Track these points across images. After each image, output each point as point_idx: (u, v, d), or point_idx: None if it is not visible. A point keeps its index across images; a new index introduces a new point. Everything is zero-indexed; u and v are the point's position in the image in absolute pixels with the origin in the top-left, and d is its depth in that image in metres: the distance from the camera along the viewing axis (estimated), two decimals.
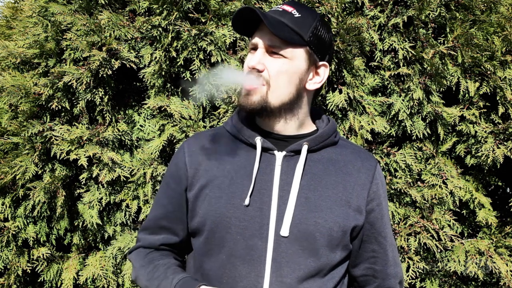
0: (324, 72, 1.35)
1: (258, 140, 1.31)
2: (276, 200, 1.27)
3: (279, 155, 1.31)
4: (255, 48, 1.30)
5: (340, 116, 2.54)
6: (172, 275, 1.30)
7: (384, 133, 2.54)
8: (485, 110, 2.63)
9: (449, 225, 2.61)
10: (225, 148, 1.36)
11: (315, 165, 1.32)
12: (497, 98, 2.57)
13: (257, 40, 1.29)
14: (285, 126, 1.34)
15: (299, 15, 1.28)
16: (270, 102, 1.29)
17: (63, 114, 2.55)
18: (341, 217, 1.29)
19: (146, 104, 2.50)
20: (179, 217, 1.38)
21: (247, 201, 1.27)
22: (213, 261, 1.29)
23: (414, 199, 2.55)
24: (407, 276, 2.50)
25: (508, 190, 2.88)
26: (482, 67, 2.54)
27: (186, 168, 1.36)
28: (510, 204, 2.69)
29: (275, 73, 1.27)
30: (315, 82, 1.34)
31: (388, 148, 2.59)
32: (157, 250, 1.41)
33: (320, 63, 1.34)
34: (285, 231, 1.25)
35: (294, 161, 1.31)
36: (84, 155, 2.43)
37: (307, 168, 1.31)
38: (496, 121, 2.61)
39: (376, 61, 2.57)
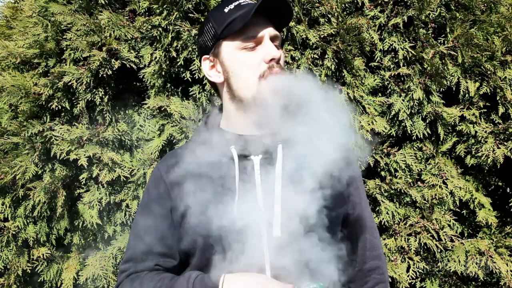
0: None
1: (233, 149, 1.30)
2: (262, 204, 1.26)
3: (256, 160, 1.30)
4: (258, 42, 1.29)
5: None
6: (188, 273, 1.25)
7: (384, 133, 2.53)
8: (485, 110, 2.62)
9: (449, 225, 2.60)
10: (202, 162, 1.33)
11: (291, 162, 1.31)
12: (497, 98, 2.57)
13: (264, 32, 1.29)
14: (260, 124, 1.33)
15: None
16: None
17: (63, 114, 2.55)
18: (328, 207, 1.28)
19: (146, 104, 2.50)
20: (172, 240, 1.32)
21: (234, 211, 1.25)
22: (213, 275, 1.26)
23: (414, 199, 2.54)
24: (407, 276, 2.50)
25: (508, 190, 2.88)
26: (482, 67, 2.54)
27: (167, 188, 1.33)
28: (510, 204, 2.69)
29: (282, 61, 1.31)
30: None
31: (388, 148, 2.58)
32: (150, 271, 1.32)
33: None
34: (277, 232, 1.24)
35: (272, 162, 1.30)
36: (84, 155, 2.42)
37: (284, 166, 1.30)
38: (496, 121, 2.61)
39: (376, 61, 2.56)
